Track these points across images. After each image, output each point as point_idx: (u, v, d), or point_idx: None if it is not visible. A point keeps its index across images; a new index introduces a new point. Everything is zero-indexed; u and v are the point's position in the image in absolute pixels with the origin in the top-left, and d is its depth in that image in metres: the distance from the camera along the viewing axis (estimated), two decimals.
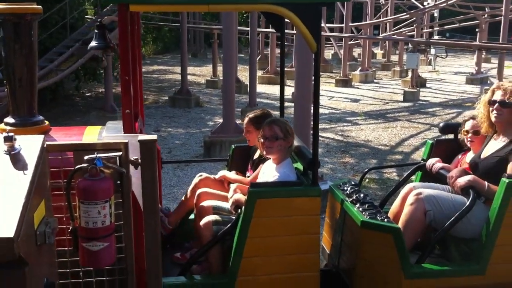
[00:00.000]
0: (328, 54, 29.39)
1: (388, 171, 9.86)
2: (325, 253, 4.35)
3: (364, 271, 3.69)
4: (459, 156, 4.35)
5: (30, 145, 2.21)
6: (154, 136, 2.55)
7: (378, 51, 32.10)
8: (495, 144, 3.85)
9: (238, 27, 19.33)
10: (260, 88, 20.20)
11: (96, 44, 3.53)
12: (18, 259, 1.88)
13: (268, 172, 3.82)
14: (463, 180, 3.69)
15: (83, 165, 2.41)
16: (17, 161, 2.13)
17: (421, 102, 17.77)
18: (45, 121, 3.45)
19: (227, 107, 11.79)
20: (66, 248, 2.60)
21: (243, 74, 20.99)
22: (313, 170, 3.49)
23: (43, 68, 12.72)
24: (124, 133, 3.08)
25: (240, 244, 3.41)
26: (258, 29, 25.23)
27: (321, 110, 16.10)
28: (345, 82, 20.81)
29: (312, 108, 3.64)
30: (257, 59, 25.55)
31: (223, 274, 3.58)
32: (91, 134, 3.39)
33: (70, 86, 17.55)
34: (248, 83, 15.56)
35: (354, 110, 16.30)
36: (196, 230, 3.94)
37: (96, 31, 3.57)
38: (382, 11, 28.70)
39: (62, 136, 3.34)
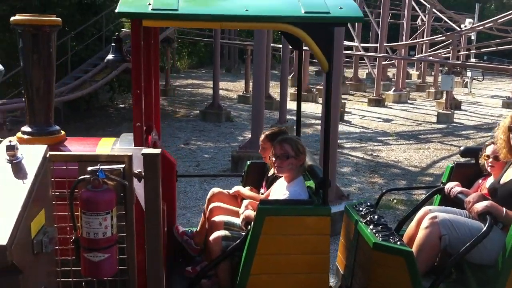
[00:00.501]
0: (362, 73, 29.23)
1: (417, 193, 9.69)
2: (339, 274, 4.29)
3: None
4: (480, 181, 4.25)
5: (32, 155, 2.25)
6: (158, 150, 2.57)
7: (413, 72, 31.76)
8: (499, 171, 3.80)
9: (272, 44, 19.50)
10: (292, 105, 20.17)
11: (112, 57, 3.58)
12: (11, 267, 1.91)
13: (279, 190, 3.79)
14: (480, 206, 3.59)
15: (85, 176, 2.44)
16: (18, 170, 2.16)
17: (455, 124, 17.47)
18: (61, 131, 3.51)
19: (256, 122, 11.82)
20: (70, 258, 2.62)
21: (275, 90, 21.00)
22: (323, 189, 3.46)
23: (77, 78, 13.01)
24: (134, 145, 3.10)
25: (248, 260, 3.38)
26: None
27: (351, 129, 16.03)
28: (378, 102, 20.64)
29: (327, 126, 3.61)
30: (290, 76, 25.72)
31: None
32: (105, 146, 3.42)
33: (104, 97, 17.86)
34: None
35: (386, 130, 16.13)
36: (206, 245, 3.94)
37: (113, 44, 3.62)
38: (418, 32, 28.45)
39: (76, 146, 3.38)
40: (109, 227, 2.45)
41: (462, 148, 4.51)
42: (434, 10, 26.73)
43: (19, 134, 3.34)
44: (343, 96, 22.06)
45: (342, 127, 16.21)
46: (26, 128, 3.35)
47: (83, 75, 13.19)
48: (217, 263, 3.58)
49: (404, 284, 3.47)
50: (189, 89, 23.77)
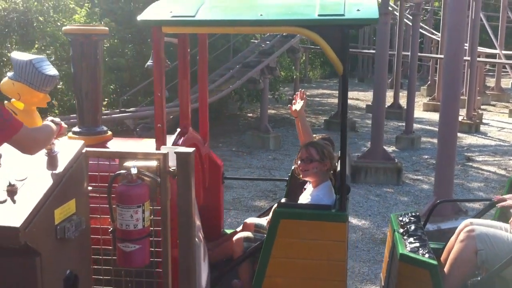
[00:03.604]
0: (507, 82, 27.22)
1: None
2: (381, 285, 4.22)
3: None
4: None
5: (68, 150, 2.47)
6: (190, 149, 2.67)
7: None
8: None
9: (404, 52, 18.89)
10: (424, 115, 19.42)
11: (151, 63, 3.80)
12: (28, 249, 2.11)
13: (305, 195, 3.81)
14: None
15: (121, 171, 2.62)
16: (52, 162, 2.39)
17: None
18: (108, 131, 3.77)
19: (376, 132, 11.62)
20: (110, 247, 2.80)
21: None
22: (340, 195, 3.37)
23: None
24: (156, 145, 3.26)
25: (263, 262, 3.38)
26: (423, 54, 24.34)
27: (486, 142, 15.02)
28: None
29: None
30: (426, 85, 24.71)
31: None
32: (144, 144, 3.64)
33: (234, 106, 18.54)
34: None
35: None
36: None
37: (153, 51, 3.85)
38: None
39: (119, 145, 3.62)
40: (140, 219, 2.59)
41: None
42: None
43: (70, 134, 3.63)
44: (482, 107, 20.76)
45: (476, 139, 15.27)
46: (76, 129, 3.64)
47: (210, 84, 13.81)
48: (238, 264, 3.63)
49: None
50: (318, 99, 23.83)
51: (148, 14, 3.30)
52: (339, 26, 3.13)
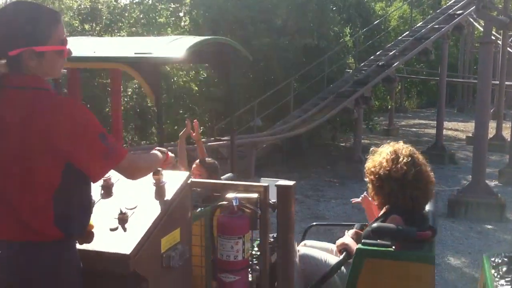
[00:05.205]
0: None
1: None
2: None
3: None
4: None
5: (175, 180, 2.56)
6: (291, 183, 2.68)
7: None
8: (379, 211, 3.44)
9: (507, 82, 18.05)
10: None
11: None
12: (136, 275, 2.20)
13: None
14: (339, 241, 3.40)
15: (223, 202, 2.67)
16: (160, 192, 2.48)
17: None
18: None
19: (478, 165, 11.14)
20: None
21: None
22: None
23: (298, 117, 13.75)
24: None
25: None
26: None
27: None
28: None
29: None
30: None
31: None
32: None
33: (327, 135, 18.47)
34: None
35: None
36: None
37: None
38: None
39: None
40: (241, 251, 2.63)
41: None
42: None
43: None
44: None
45: None
46: None
47: (302, 114, 13.88)
48: None
49: None
50: (414, 129, 23.21)
51: None
52: (149, 63, 3.60)
